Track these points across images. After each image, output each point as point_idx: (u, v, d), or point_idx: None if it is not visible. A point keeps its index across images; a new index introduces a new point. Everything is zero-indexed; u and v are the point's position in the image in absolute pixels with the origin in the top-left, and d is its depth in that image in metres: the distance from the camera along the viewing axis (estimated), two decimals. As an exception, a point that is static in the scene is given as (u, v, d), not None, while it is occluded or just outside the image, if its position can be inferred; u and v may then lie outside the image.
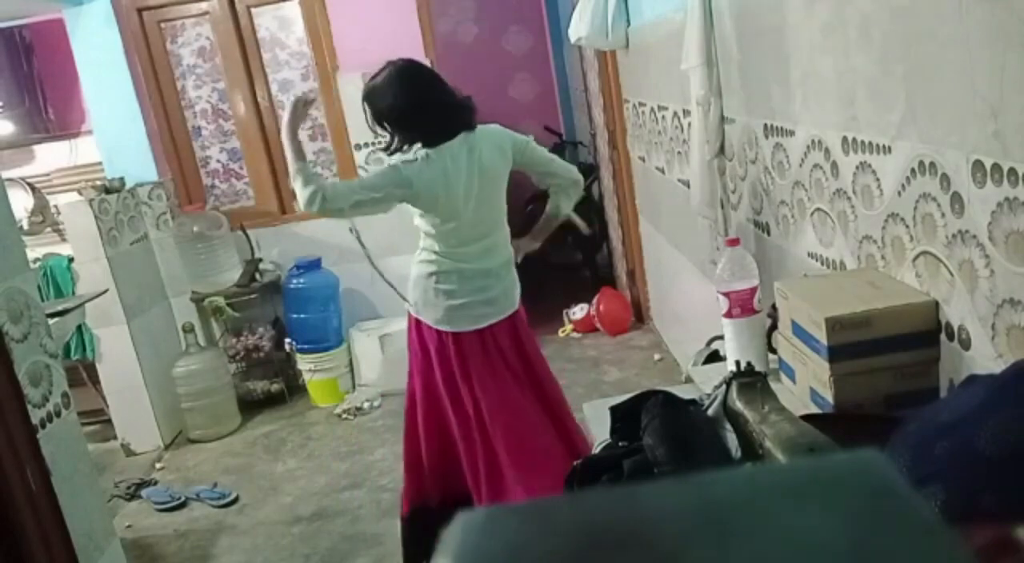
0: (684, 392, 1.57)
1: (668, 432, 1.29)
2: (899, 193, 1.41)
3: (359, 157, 4.33)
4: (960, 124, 1.20)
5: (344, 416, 4.06)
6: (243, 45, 4.34)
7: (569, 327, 4.72)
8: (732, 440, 1.31)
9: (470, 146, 2.41)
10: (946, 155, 1.25)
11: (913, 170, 1.36)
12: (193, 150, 4.50)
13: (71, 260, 3.89)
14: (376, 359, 4.26)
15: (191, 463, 3.85)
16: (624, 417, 1.47)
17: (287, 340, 4.26)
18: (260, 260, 4.37)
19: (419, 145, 2.39)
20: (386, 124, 2.41)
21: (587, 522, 0.43)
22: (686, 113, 2.78)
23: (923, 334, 1.33)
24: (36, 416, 1.97)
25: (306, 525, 3.11)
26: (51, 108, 4.44)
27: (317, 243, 4.35)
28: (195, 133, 4.50)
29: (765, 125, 2.08)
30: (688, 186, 2.82)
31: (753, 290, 1.67)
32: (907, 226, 1.40)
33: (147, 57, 4.32)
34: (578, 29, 3.73)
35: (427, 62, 4.20)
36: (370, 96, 2.40)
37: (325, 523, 3.08)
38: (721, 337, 1.84)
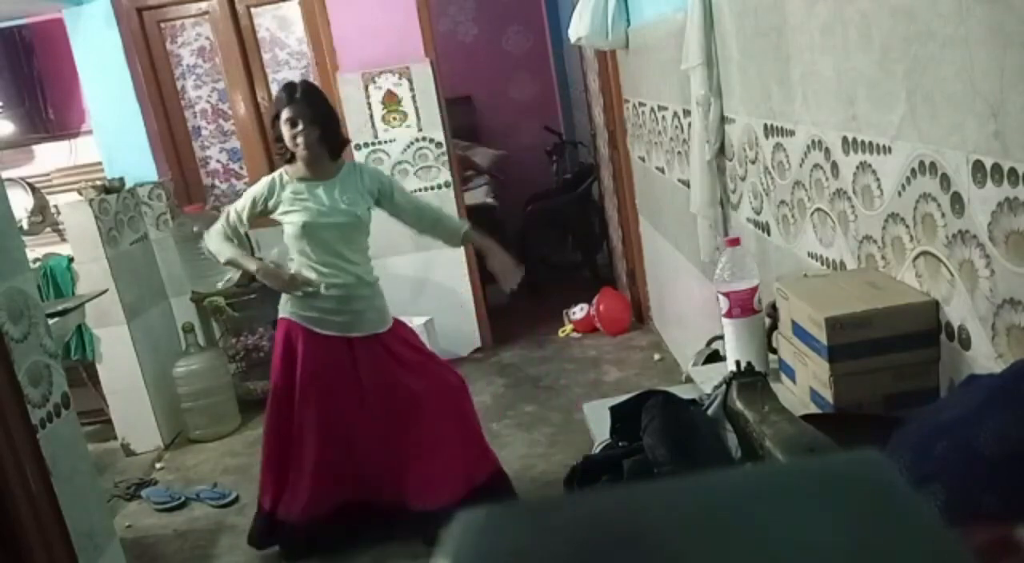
0: (684, 392, 1.57)
1: (668, 432, 1.29)
2: (899, 193, 1.42)
3: (359, 157, 4.32)
4: (960, 124, 1.20)
5: (344, 416, 4.06)
6: (243, 45, 4.34)
7: (569, 327, 4.72)
8: (732, 440, 1.31)
9: None
10: (946, 155, 1.25)
11: (913, 170, 1.36)
12: (193, 150, 4.50)
13: (71, 260, 3.89)
14: (376, 359, 4.24)
15: (191, 463, 3.85)
16: (624, 417, 1.48)
17: (287, 340, 4.25)
18: (260, 260, 4.36)
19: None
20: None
21: (587, 522, 0.43)
22: (686, 113, 2.78)
23: (923, 334, 1.33)
24: (36, 416, 1.97)
25: (306, 525, 3.10)
26: (51, 108, 4.43)
27: (317, 243, 4.33)
28: (195, 133, 4.50)
29: (765, 125, 2.08)
30: (688, 186, 2.82)
31: (753, 290, 1.66)
32: (907, 226, 1.40)
33: (147, 57, 4.32)
34: (578, 29, 3.73)
35: (427, 62, 4.24)
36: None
37: (325, 523, 3.07)
38: (721, 337, 1.84)
